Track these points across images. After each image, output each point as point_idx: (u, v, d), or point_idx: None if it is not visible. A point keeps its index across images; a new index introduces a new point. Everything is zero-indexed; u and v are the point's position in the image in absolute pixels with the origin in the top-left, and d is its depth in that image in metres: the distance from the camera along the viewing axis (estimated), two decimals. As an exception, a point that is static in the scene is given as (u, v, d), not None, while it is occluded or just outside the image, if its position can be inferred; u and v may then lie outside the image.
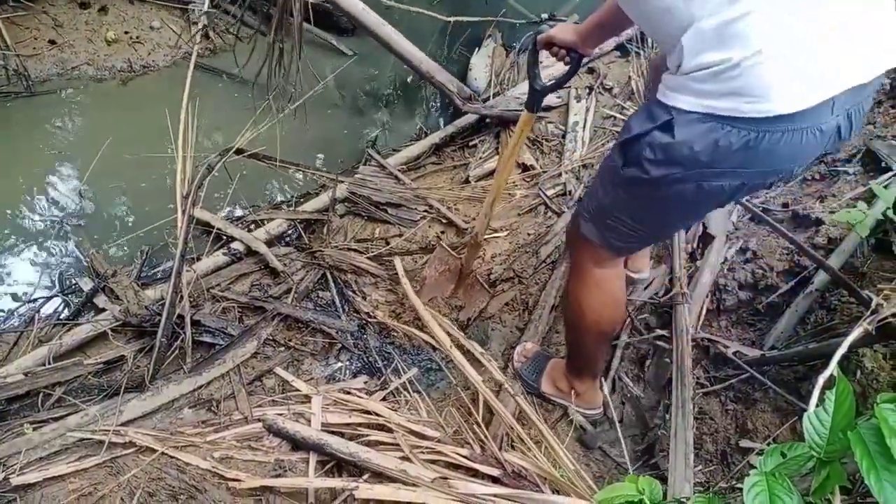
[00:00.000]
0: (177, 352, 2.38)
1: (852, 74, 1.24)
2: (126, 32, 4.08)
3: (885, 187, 2.15)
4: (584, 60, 2.03)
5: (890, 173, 2.27)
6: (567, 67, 2.01)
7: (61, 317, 2.65)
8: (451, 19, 4.10)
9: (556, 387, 2.28)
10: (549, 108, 3.63)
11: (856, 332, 1.56)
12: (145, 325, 2.42)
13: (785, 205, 2.53)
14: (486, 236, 2.87)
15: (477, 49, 4.23)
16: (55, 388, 2.25)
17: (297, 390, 2.32)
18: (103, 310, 2.53)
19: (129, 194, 3.27)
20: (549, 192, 3.14)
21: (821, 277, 2.17)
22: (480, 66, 4.09)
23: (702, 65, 1.26)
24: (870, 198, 2.12)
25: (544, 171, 3.29)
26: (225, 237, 2.88)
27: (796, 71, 1.21)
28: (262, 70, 3.51)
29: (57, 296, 2.76)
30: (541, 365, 2.33)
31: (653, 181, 1.43)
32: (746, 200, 2.50)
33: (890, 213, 1.96)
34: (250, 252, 2.82)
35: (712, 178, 1.37)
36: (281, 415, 2.12)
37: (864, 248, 2.14)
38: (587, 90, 3.70)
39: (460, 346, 2.38)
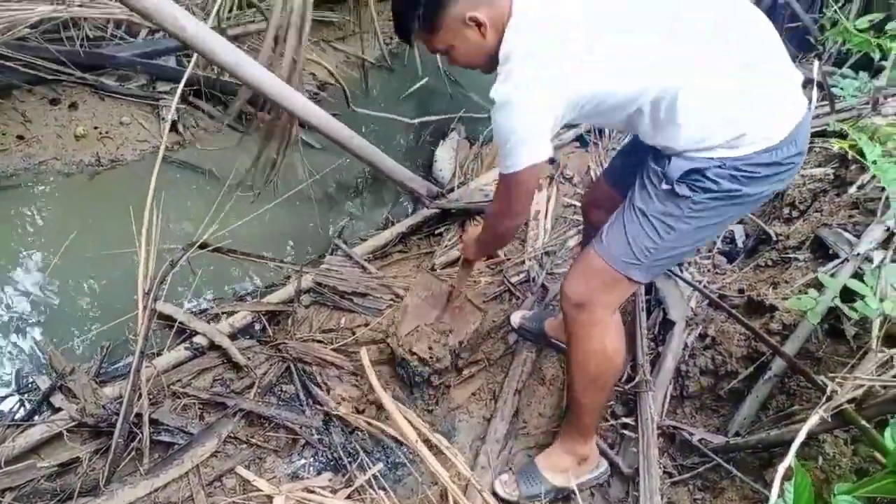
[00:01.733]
0: (134, 452, 2.31)
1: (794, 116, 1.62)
2: (95, 128, 4.14)
3: (832, 275, 2.23)
4: None
5: (837, 260, 2.36)
6: None
7: (16, 417, 2.56)
8: (417, 121, 4.24)
9: (564, 471, 2.20)
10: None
11: (812, 420, 1.59)
12: (102, 424, 2.35)
13: (741, 290, 2.59)
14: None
15: (441, 141, 4.37)
16: (5, 493, 2.16)
17: (259, 490, 2.25)
18: (60, 409, 2.46)
19: (91, 289, 3.24)
20: (514, 280, 3.18)
21: (778, 363, 2.21)
22: (445, 157, 4.21)
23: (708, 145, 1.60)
24: (820, 284, 2.20)
25: (508, 259, 3.34)
26: (187, 331, 2.85)
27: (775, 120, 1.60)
28: (235, 165, 3.58)
29: (13, 395, 2.68)
30: (533, 472, 2.24)
31: (724, 193, 1.64)
32: (703, 287, 2.56)
33: (838, 301, 2.03)
34: (213, 346, 2.79)
35: (764, 185, 1.66)
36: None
37: (818, 333, 2.20)
38: (548, 180, 3.82)
39: (427, 441, 2.35)
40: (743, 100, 1.57)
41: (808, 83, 4.12)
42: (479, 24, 1.63)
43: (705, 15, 1.58)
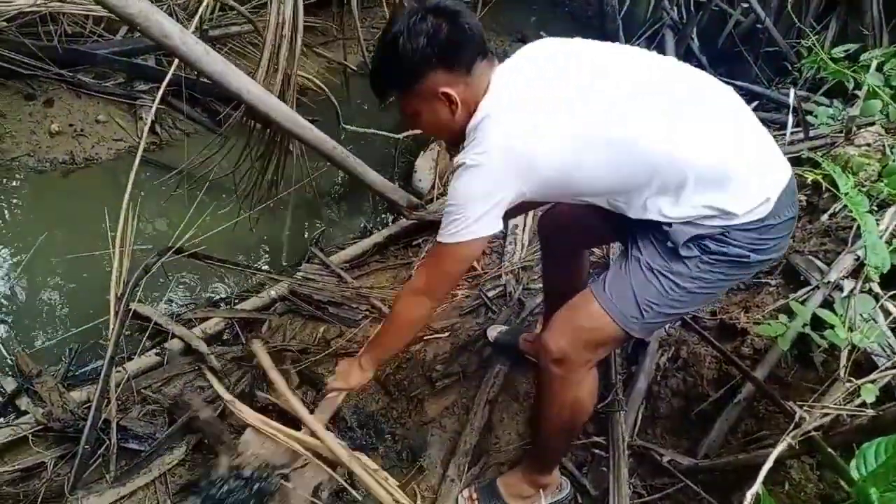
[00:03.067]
0: (100, 459, 2.27)
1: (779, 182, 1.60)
2: (71, 125, 4.09)
3: (803, 302, 2.27)
4: None
5: (808, 287, 2.41)
6: None
7: (-22, 420, 2.51)
8: (401, 136, 4.24)
9: (524, 498, 2.21)
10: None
11: (780, 447, 1.61)
12: (69, 430, 2.31)
13: (713, 313, 2.63)
14: (426, 336, 2.90)
15: (422, 152, 4.37)
16: (-35, 498, 2.12)
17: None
18: (25, 412, 2.41)
19: (61, 290, 3.19)
20: (490, 294, 3.19)
21: (748, 387, 2.25)
22: (424, 168, 4.21)
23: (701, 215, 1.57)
24: (790, 310, 2.23)
25: (485, 273, 3.35)
26: (160, 335, 2.81)
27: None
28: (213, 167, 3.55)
29: (-25, 396, 2.63)
30: (493, 493, 2.23)
31: (732, 258, 1.61)
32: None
33: (808, 328, 2.07)
34: (186, 351, 2.76)
35: (771, 253, 1.65)
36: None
37: (787, 359, 2.24)
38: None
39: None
40: (734, 163, 1.56)
41: (784, 108, 4.21)
42: (450, 101, 1.65)
43: (681, 86, 1.61)
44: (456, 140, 1.70)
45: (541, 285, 3.19)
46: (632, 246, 1.73)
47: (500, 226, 1.64)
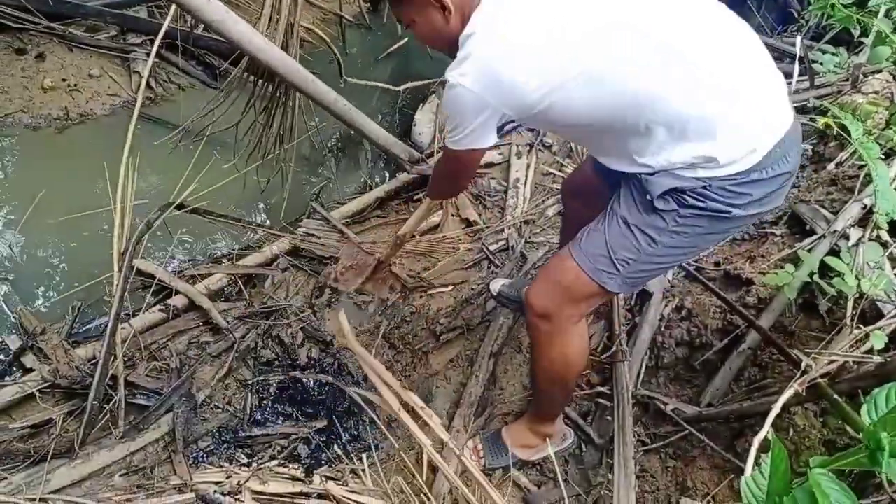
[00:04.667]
0: (108, 415, 2.29)
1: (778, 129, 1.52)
2: (64, 80, 4.01)
3: (809, 251, 2.26)
4: None
5: (814, 236, 2.40)
6: None
7: (-15, 377, 2.51)
8: (401, 88, 4.16)
9: (529, 447, 2.25)
10: (490, 165, 3.71)
11: (787, 394, 1.62)
12: (76, 386, 2.32)
13: (717, 264, 2.62)
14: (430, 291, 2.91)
15: (421, 105, 4.31)
16: (-24, 454, 2.13)
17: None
18: (31, 370, 2.42)
19: (62, 247, 3.17)
20: (493, 247, 3.18)
21: (752, 336, 2.25)
22: (424, 121, 4.15)
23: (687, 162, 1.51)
24: (796, 259, 2.23)
25: (487, 227, 3.34)
26: (163, 292, 2.81)
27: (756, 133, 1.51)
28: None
29: (-20, 355, 2.63)
30: (498, 443, 2.27)
31: (711, 213, 1.56)
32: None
33: (815, 276, 2.07)
34: (190, 307, 2.76)
35: (755, 208, 1.58)
36: (219, 483, 2.05)
37: (792, 308, 2.24)
38: (527, 147, 3.80)
39: (405, 405, 2.34)
40: (721, 112, 1.49)
41: (788, 57, 4.14)
42: (443, 7, 1.62)
43: (679, 26, 1.50)
44: (453, 47, 1.65)
45: (542, 238, 3.20)
46: (613, 202, 1.71)
47: (492, 139, 1.68)
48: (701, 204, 1.54)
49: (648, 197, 1.58)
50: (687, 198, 1.55)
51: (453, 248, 3.21)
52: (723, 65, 1.50)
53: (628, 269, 1.67)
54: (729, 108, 1.48)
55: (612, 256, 1.67)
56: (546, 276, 1.83)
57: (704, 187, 1.52)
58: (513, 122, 2.31)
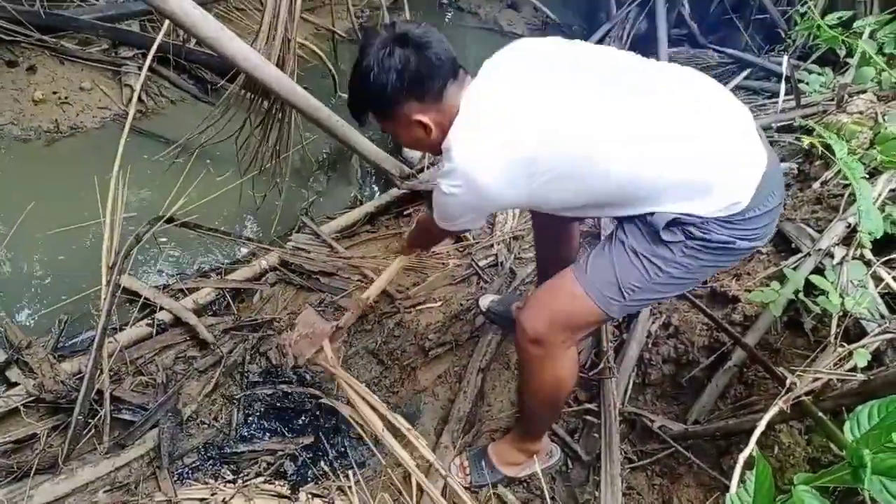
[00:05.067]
0: (93, 430, 2.27)
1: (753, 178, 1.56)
2: (55, 93, 4.01)
3: (795, 269, 2.28)
4: None
5: (799, 255, 2.41)
6: None
7: (-32, 391, 2.49)
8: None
9: (515, 465, 2.25)
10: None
11: (772, 411, 1.63)
12: (61, 401, 2.30)
13: (704, 282, 2.64)
14: (409, 306, 2.91)
15: (412, 120, 4.32)
16: (-42, 469, 2.11)
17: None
18: (16, 384, 2.39)
19: (49, 261, 3.15)
20: (482, 263, 3.19)
21: (738, 353, 2.27)
22: (415, 137, 4.17)
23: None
24: (781, 277, 2.24)
25: (476, 242, 3.35)
26: (150, 306, 2.80)
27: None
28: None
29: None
30: (484, 460, 2.27)
31: (715, 244, 1.60)
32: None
33: (800, 294, 2.08)
34: (177, 322, 2.75)
35: (756, 242, 1.64)
36: (203, 500, 2.03)
37: (777, 325, 2.26)
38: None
39: (391, 425, 2.34)
40: (706, 172, 1.54)
41: (775, 76, 4.19)
42: (424, 126, 1.68)
43: (654, 108, 1.55)
44: (436, 152, 1.73)
45: (532, 254, 3.20)
46: (617, 228, 1.73)
47: (482, 223, 1.86)
48: (707, 236, 1.57)
49: (654, 228, 1.61)
50: (692, 230, 1.58)
51: (443, 263, 3.22)
52: (698, 125, 1.55)
53: (633, 296, 1.69)
54: (709, 169, 1.54)
55: (620, 284, 1.68)
56: (544, 302, 1.81)
57: (704, 223, 1.56)
58: None
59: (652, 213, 1.59)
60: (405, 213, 3.62)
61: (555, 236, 2.34)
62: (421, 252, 2.70)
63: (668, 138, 1.53)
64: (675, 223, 1.58)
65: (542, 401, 1.98)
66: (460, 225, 1.82)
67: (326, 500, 2.15)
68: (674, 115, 1.54)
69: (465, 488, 2.20)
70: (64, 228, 3.16)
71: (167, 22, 3.31)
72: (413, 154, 4.03)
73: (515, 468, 2.25)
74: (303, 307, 2.83)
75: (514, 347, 2.48)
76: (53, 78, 4.08)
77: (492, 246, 3.29)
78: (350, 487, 2.21)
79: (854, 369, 1.75)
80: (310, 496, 2.15)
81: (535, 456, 2.22)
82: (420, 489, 2.16)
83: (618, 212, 1.66)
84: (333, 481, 2.25)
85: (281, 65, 3.10)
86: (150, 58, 3.14)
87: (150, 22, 4.67)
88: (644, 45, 5.81)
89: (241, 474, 2.27)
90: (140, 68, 4.05)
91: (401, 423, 2.33)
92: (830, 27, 3.31)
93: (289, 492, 2.17)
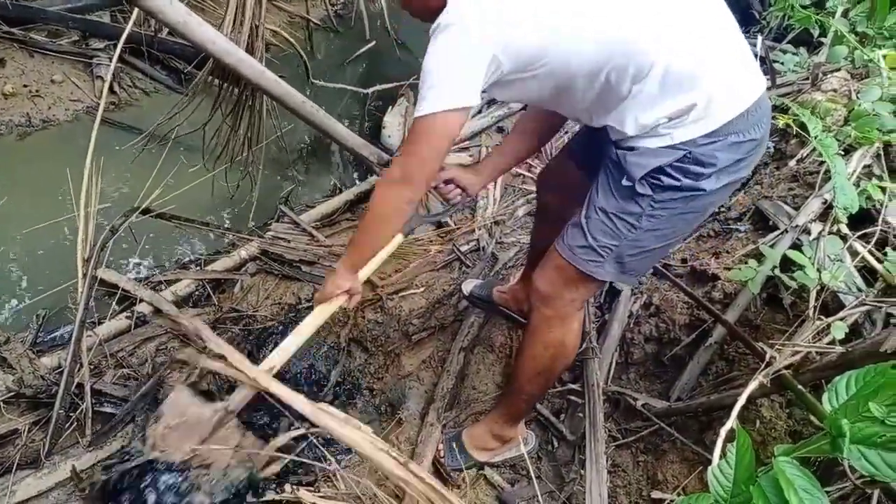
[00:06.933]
0: (75, 423, 2.25)
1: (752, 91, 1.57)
2: (25, 86, 3.93)
3: (772, 246, 2.31)
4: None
5: (777, 232, 2.44)
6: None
7: (-54, 389, 2.45)
8: (370, 90, 4.16)
9: (488, 450, 2.26)
10: (461, 167, 3.71)
11: (753, 385, 1.65)
12: (41, 395, 2.27)
13: (684, 260, 2.66)
14: (392, 292, 2.91)
15: (390, 107, 4.31)
16: (-62, 466, 2.08)
17: (207, 460, 2.22)
18: (-6, 380, 2.37)
19: (26, 255, 3.10)
20: (464, 248, 3.19)
21: (719, 330, 2.29)
22: (394, 124, 4.16)
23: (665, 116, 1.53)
24: (759, 255, 2.27)
25: (458, 228, 3.34)
26: (129, 299, 2.77)
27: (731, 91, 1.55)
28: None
29: (-59, 365, 2.56)
30: (459, 447, 2.27)
31: (685, 194, 1.60)
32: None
33: (777, 271, 2.11)
34: (157, 314, 2.72)
35: (723, 176, 1.60)
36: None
37: (756, 302, 2.28)
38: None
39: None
40: (700, 66, 1.51)
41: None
42: None
43: None
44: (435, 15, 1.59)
45: (512, 239, 3.21)
46: (591, 193, 1.75)
47: (476, 98, 1.52)
48: (676, 183, 1.58)
49: (627, 182, 1.62)
50: (662, 178, 1.59)
51: (424, 249, 3.22)
52: (710, 27, 1.56)
53: (612, 254, 1.72)
54: (715, 65, 1.53)
55: (592, 245, 1.71)
56: (546, 264, 1.87)
57: (680, 160, 1.56)
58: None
59: (633, 148, 1.60)
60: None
61: (554, 221, 2.31)
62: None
63: (689, 27, 1.53)
64: (649, 174, 1.59)
65: (539, 367, 1.99)
66: (451, 88, 1.51)
67: (312, 489, 2.14)
68: (697, 16, 1.55)
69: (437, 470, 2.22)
70: (40, 225, 3.11)
71: (137, 11, 3.27)
72: (391, 141, 4.02)
73: (487, 453, 2.26)
74: (284, 296, 2.81)
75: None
76: (23, 71, 4.00)
77: (473, 231, 3.29)
78: (336, 473, 2.20)
79: (833, 342, 1.78)
80: (295, 487, 2.14)
81: (508, 442, 2.24)
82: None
83: (608, 117, 1.62)
84: (320, 469, 2.25)
85: (250, 51, 3.06)
86: (119, 48, 3.10)
87: (122, 13, 4.60)
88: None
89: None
90: (111, 59, 3.98)
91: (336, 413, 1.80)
92: (804, 7, 3.33)
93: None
